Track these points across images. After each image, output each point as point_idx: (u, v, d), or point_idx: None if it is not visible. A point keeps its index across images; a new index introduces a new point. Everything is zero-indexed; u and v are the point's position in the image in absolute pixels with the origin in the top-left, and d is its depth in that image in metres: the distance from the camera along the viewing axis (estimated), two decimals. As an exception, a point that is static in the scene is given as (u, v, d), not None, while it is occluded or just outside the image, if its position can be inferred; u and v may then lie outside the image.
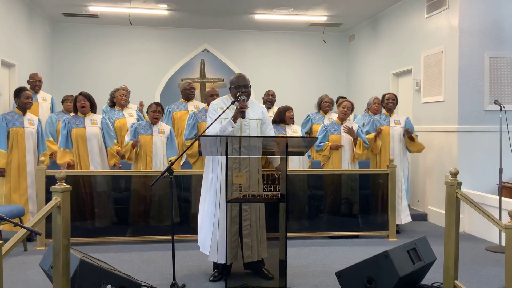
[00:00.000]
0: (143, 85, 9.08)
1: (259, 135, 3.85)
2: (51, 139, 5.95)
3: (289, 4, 7.74)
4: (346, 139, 5.68)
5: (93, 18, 8.59)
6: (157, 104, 5.60)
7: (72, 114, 5.67)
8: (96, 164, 5.43)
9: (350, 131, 5.56)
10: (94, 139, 5.43)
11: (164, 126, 5.68)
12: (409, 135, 5.71)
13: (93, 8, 7.92)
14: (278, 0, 7.54)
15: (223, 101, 3.94)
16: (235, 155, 3.56)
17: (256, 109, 3.93)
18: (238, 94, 3.78)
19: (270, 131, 4.02)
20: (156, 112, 5.52)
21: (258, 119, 3.88)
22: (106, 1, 7.59)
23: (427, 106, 6.68)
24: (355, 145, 5.64)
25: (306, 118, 6.66)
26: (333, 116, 6.57)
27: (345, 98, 6.99)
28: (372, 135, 5.72)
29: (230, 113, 3.78)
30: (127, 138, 5.52)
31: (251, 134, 3.81)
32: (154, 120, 5.54)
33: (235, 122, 3.71)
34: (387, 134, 5.77)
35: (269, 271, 3.87)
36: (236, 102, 3.78)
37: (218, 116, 3.76)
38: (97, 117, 5.56)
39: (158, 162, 5.53)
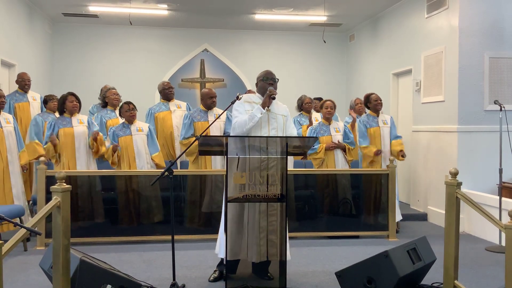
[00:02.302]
0: (143, 85, 9.08)
1: (285, 130, 3.96)
2: (37, 141, 5.76)
3: (289, 4, 7.74)
4: (336, 139, 5.70)
5: (93, 18, 8.59)
6: (128, 103, 5.58)
7: (56, 114, 5.61)
8: (83, 164, 5.38)
9: (338, 145, 5.68)
10: (82, 138, 5.40)
11: (141, 124, 5.65)
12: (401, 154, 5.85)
13: (93, 8, 7.92)
14: (278, 0, 7.54)
15: (249, 96, 3.99)
16: (262, 155, 3.59)
17: (280, 106, 4.02)
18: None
19: (293, 129, 4.07)
20: (130, 111, 5.52)
21: (283, 115, 3.97)
22: (106, 1, 7.59)
23: (427, 106, 6.68)
24: (345, 153, 5.74)
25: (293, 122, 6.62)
26: (316, 116, 6.61)
27: (320, 98, 6.93)
28: (372, 152, 5.73)
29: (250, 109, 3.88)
30: (107, 143, 5.46)
31: (278, 127, 3.88)
32: (132, 118, 5.53)
33: (264, 108, 3.79)
34: (378, 135, 5.81)
35: (270, 273, 3.85)
36: (237, 100, 3.82)
37: (215, 119, 3.78)
38: (83, 117, 5.53)
39: (142, 161, 5.51)
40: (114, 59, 9.23)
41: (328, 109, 5.76)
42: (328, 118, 5.79)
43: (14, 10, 7.16)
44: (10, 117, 5.41)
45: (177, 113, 6.15)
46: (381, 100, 5.91)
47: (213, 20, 8.80)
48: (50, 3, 7.72)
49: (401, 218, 5.84)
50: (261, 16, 8.43)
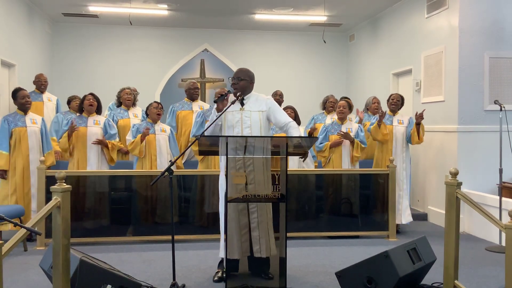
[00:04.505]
0: (143, 85, 9.04)
1: (262, 127, 3.87)
2: (54, 137, 5.92)
3: (289, 4, 7.74)
4: (343, 141, 5.67)
5: (93, 18, 8.59)
6: (158, 102, 5.70)
7: (77, 113, 5.71)
8: (93, 164, 5.41)
9: (346, 135, 5.59)
10: (94, 139, 5.43)
11: (164, 126, 5.72)
12: (418, 121, 5.62)
13: (93, 8, 7.92)
14: (278, 0, 7.54)
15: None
16: (238, 155, 3.58)
17: (259, 101, 3.93)
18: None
19: (282, 117, 3.93)
20: (159, 109, 5.60)
21: (260, 111, 3.89)
22: (106, 1, 7.59)
23: (427, 106, 6.67)
24: (352, 147, 5.66)
25: (310, 119, 6.66)
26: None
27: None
28: (375, 123, 5.69)
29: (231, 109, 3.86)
30: (129, 137, 5.52)
31: (252, 125, 3.83)
32: (158, 117, 5.59)
33: (217, 111, 3.80)
34: (389, 133, 5.77)
35: (270, 273, 3.86)
36: (237, 100, 3.81)
37: (213, 121, 3.77)
38: (101, 118, 5.57)
39: (163, 160, 5.55)
40: (114, 59, 9.23)
41: (340, 109, 5.75)
42: (341, 118, 5.78)
43: (14, 10, 7.16)
44: (38, 118, 5.52)
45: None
46: (398, 100, 5.86)
47: (213, 20, 8.80)
48: (50, 3, 7.72)
49: (411, 219, 5.79)
50: (261, 16, 8.42)
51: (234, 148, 3.54)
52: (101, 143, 5.45)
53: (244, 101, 3.88)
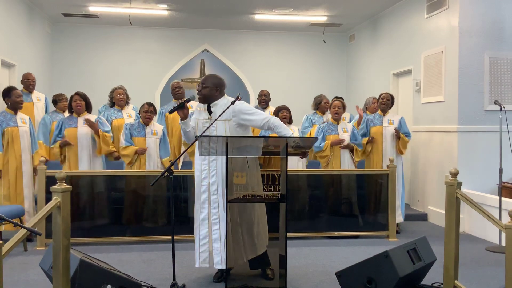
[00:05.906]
0: (143, 85, 9.08)
1: (232, 134, 3.76)
2: (41, 141, 5.86)
3: (289, 4, 7.74)
4: (345, 139, 5.68)
5: (93, 18, 8.60)
6: (149, 104, 5.57)
7: (66, 113, 5.66)
8: (85, 164, 5.37)
9: (347, 146, 5.69)
10: (84, 140, 5.36)
11: (157, 127, 5.66)
12: (397, 135, 5.74)
13: (93, 8, 7.92)
14: (278, 0, 7.54)
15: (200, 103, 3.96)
16: (204, 155, 3.69)
17: (226, 110, 3.74)
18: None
19: (258, 116, 3.75)
20: (148, 112, 5.51)
21: (226, 120, 3.76)
22: (106, 1, 7.59)
23: (427, 106, 6.68)
24: (352, 153, 5.73)
25: (305, 120, 6.55)
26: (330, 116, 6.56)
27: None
28: (366, 139, 5.78)
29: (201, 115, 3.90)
30: (122, 138, 5.47)
31: (218, 135, 3.74)
32: (147, 120, 5.52)
33: (181, 119, 3.81)
34: (380, 134, 5.78)
35: (270, 273, 3.85)
36: (237, 100, 3.79)
37: (215, 119, 3.74)
38: (91, 117, 5.49)
39: (152, 163, 5.51)
40: (114, 59, 9.23)
41: (335, 109, 5.74)
42: (336, 118, 5.78)
43: (14, 10, 7.16)
44: (26, 117, 5.49)
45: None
46: (388, 100, 5.85)
47: (213, 20, 8.80)
48: (50, 3, 7.72)
49: (402, 220, 5.82)
50: (261, 16, 8.43)
51: (207, 149, 3.57)
52: (92, 127, 5.32)
53: (212, 109, 3.79)
